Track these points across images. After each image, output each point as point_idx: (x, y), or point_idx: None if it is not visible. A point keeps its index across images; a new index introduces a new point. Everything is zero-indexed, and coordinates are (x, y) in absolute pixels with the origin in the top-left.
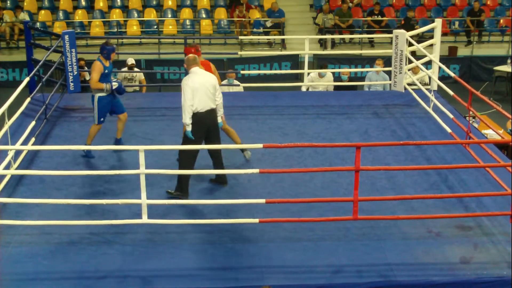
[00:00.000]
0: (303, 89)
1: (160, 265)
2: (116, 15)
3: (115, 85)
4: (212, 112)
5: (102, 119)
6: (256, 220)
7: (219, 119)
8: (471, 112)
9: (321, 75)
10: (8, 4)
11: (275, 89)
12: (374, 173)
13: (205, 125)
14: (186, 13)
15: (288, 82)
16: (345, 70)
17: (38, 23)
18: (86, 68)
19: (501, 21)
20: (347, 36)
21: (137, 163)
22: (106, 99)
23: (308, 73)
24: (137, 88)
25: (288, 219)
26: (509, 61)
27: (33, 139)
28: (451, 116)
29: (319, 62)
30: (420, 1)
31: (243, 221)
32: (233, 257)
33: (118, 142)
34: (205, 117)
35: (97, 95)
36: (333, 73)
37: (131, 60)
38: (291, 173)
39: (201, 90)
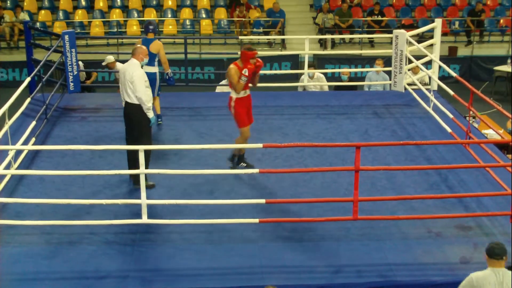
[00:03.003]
0: (299, 89)
1: (160, 265)
2: (116, 15)
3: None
4: (128, 107)
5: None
6: (256, 220)
7: (150, 114)
8: (471, 112)
9: (308, 76)
10: (8, 4)
11: (275, 89)
12: (374, 173)
13: (125, 118)
14: (186, 13)
15: (288, 82)
16: (345, 70)
17: (38, 23)
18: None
19: (501, 21)
20: (347, 36)
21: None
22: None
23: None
24: None
25: (288, 219)
26: (509, 61)
27: (33, 139)
28: (451, 116)
29: (318, 62)
30: (420, 1)
31: (243, 221)
32: (233, 257)
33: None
34: (124, 109)
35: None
36: (333, 73)
37: (110, 58)
38: (291, 173)
39: (120, 80)
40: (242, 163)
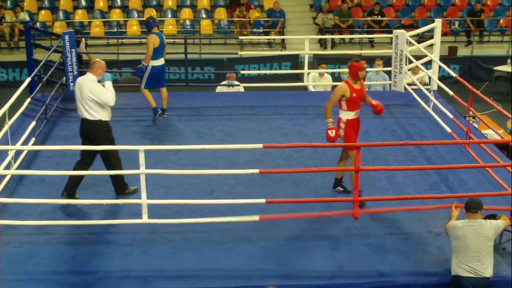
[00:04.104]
0: (311, 89)
1: (160, 265)
2: (116, 15)
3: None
4: (86, 123)
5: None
6: (257, 217)
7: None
8: (471, 112)
9: (321, 74)
10: (8, 4)
11: (275, 89)
12: (374, 173)
13: (82, 136)
14: (186, 13)
15: (288, 82)
16: (345, 70)
17: (38, 23)
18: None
19: (501, 21)
20: (347, 36)
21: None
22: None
23: (308, 73)
24: None
25: (288, 215)
26: (509, 61)
27: (33, 139)
28: (451, 116)
29: (318, 62)
30: (420, 1)
31: (244, 219)
32: (233, 257)
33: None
34: (80, 126)
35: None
36: (333, 73)
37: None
38: (291, 173)
39: (76, 95)
40: (339, 187)
